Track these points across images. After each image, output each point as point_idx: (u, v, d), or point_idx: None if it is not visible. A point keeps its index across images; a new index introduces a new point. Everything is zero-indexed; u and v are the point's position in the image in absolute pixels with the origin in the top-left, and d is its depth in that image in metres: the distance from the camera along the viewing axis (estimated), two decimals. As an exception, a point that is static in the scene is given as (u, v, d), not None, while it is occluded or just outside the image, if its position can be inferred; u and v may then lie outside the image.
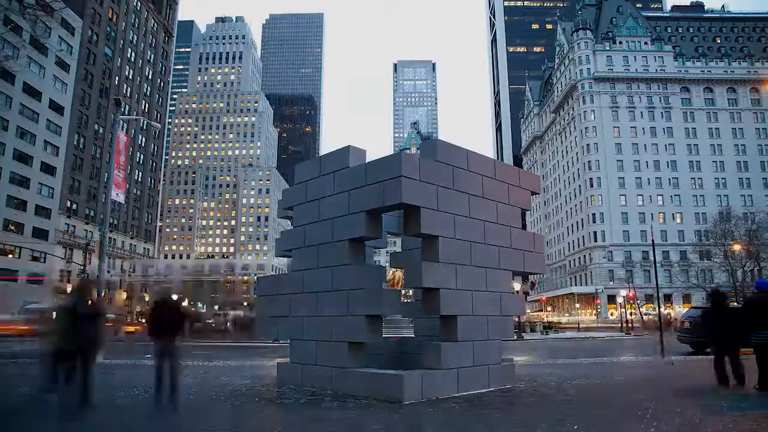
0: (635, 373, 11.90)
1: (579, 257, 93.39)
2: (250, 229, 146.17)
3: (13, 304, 51.94)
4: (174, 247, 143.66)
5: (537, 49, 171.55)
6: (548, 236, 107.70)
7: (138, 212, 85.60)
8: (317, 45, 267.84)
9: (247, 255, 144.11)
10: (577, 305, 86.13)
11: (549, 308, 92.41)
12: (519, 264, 10.09)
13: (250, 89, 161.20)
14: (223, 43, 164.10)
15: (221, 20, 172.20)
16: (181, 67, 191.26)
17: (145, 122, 71.84)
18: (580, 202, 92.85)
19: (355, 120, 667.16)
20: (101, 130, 73.46)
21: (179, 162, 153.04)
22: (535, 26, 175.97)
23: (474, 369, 8.75)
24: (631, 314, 55.33)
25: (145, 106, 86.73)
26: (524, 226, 11.06)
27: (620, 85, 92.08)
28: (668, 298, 76.09)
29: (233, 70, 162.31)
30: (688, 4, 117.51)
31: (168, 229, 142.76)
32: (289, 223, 10.74)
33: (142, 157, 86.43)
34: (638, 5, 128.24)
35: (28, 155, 59.93)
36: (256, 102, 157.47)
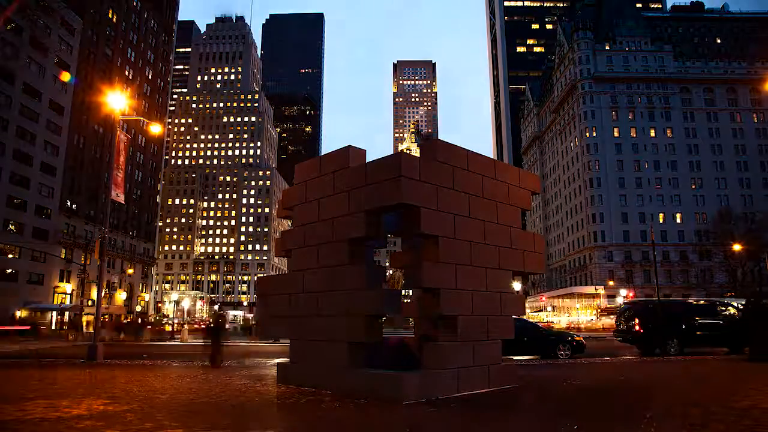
0: (636, 373, 11.89)
1: (579, 257, 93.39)
2: (250, 229, 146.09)
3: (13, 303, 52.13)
4: (174, 247, 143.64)
5: (537, 49, 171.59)
6: (548, 236, 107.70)
7: (138, 212, 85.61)
8: (317, 45, 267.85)
9: (247, 255, 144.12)
10: (578, 305, 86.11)
11: (549, 308, 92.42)
12: (519, 264, 10.09)
13: (250, 89, 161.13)
14: (223, 43, 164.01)
15: (221, 20, 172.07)
16: (181, 67, 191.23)
17: (145, 122, 71.83)
18: (580, 202, 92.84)
19: (355, 120, 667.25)
20: (101, 130, 73.46)
21: (179, 162, 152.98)
22: (535, 26, 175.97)
23: (474, 369, 8.75)
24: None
25: (145, 106, 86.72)
26: (524, 226, 11.05)
27: (620, 85, 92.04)
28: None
29: (233, 70, 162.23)
30: (688, 4, 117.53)
31: (168, 229, 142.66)
32: (289, 223, 10.74)
33: (142, 157, 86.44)
34: (638, 5, 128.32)
35: (28, 155, 59.93)
36: (256, 102, 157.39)
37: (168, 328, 44.69)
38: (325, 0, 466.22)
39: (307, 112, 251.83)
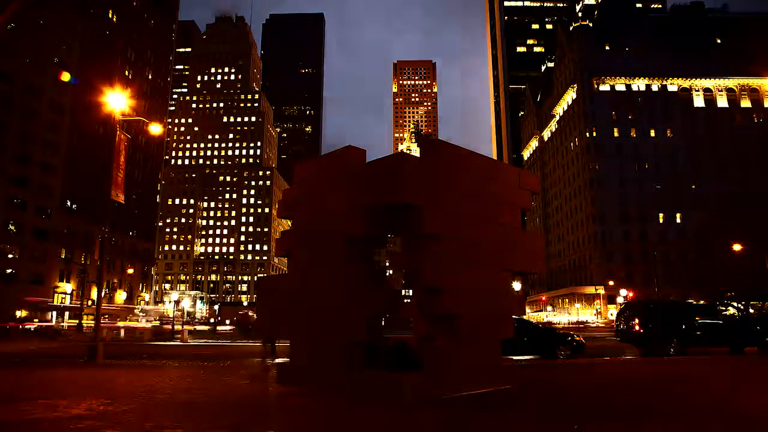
0: (635, 373, 11.89)
1: (579, 257, 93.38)
2: (250, 229, 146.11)
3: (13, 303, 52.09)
4: (174, 247, 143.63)
5: (537, 49, 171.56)
6: (548, 236, 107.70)
7: (138, 212, 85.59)
8: (317, 45, 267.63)
9: (247, 255, 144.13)
10: (578, 305, 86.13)
11: (549, 308, 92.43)
12: (519, 264, 10.08)
13: (250, 89, 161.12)
14: (223, 43, 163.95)
15: (221, 20, 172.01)
16: (181, 67, 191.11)
17: (145, 122, 71.92)
18: (580, 202, 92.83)
19: (355, 120, 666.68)
20: (101, 130, 73.45)
21: (179, 162, 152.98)
22: (535, 26, 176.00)
23: (474, 369, 8.74)
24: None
25: (145, 106, 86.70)
26: (524, 226, 11.06)
27: (620, 85, 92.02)
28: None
29: (233, 70, 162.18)
30: (688, 4, 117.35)
31: (168, 229, 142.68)
32: (289, 223, 10.74)
33: (142, 157, 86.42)
34: (638, 5, 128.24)
35: (28, 155, 59.93)
36: (256, 102, 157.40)
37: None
38: (325, 0, 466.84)
39: (307, 112, 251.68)
